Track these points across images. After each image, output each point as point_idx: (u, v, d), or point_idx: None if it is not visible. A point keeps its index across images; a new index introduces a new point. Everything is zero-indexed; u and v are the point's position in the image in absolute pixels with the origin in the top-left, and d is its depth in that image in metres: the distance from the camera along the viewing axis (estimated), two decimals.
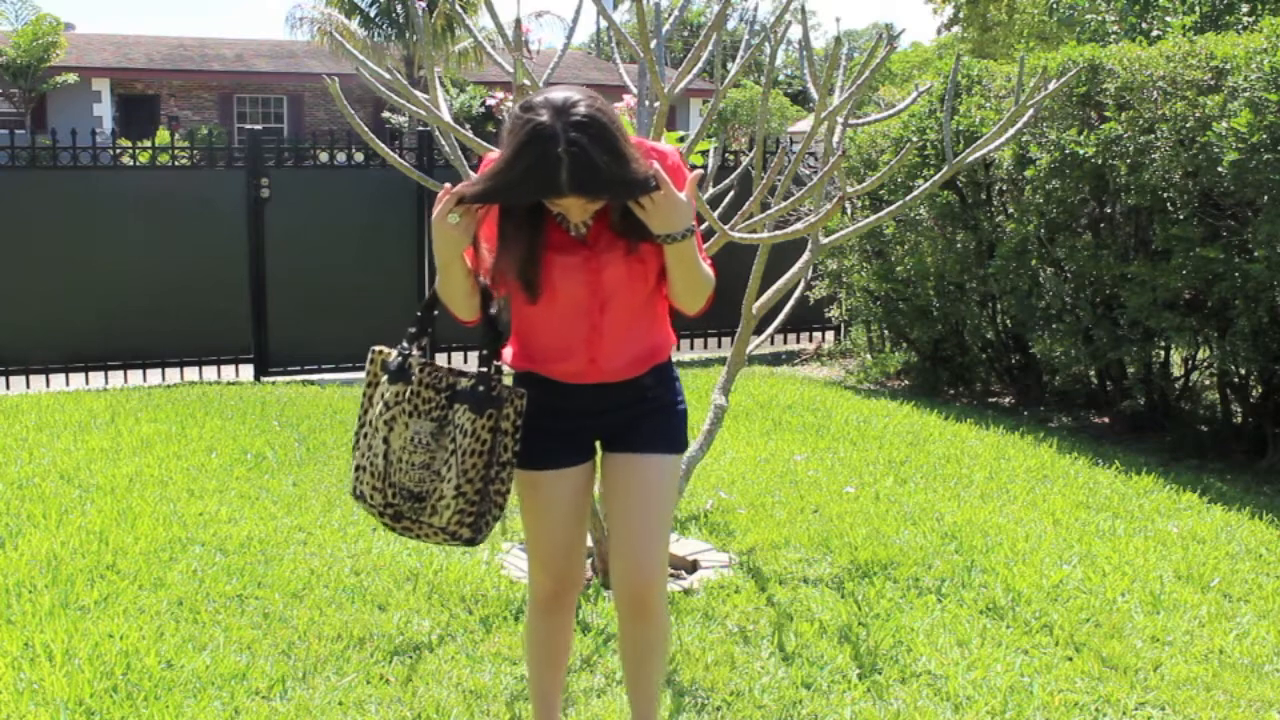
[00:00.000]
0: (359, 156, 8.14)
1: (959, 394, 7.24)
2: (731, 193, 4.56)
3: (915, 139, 6.79)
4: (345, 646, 3.20)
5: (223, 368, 7.80)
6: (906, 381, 7.65)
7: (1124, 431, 6.08)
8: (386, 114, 23.73)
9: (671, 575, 3.75)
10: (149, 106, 26.15)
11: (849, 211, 7.34)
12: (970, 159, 3.86)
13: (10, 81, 22.81)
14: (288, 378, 7.76)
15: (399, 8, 23.60)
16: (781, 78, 35.14)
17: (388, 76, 3.94)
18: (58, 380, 7.48)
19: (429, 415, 2.21)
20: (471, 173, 4.04)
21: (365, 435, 2.27)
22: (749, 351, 4.21)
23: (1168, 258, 5.35)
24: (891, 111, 4.39)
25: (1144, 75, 5.36)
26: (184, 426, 5.85)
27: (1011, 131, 3.87)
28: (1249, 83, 4.84)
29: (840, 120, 3.98)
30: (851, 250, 7.68)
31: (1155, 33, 8.36)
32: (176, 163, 7.82)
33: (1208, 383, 6.33)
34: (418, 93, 3.81)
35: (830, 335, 9.27)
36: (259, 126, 10.33)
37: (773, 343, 8.42)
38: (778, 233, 3.79)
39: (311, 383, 7.60)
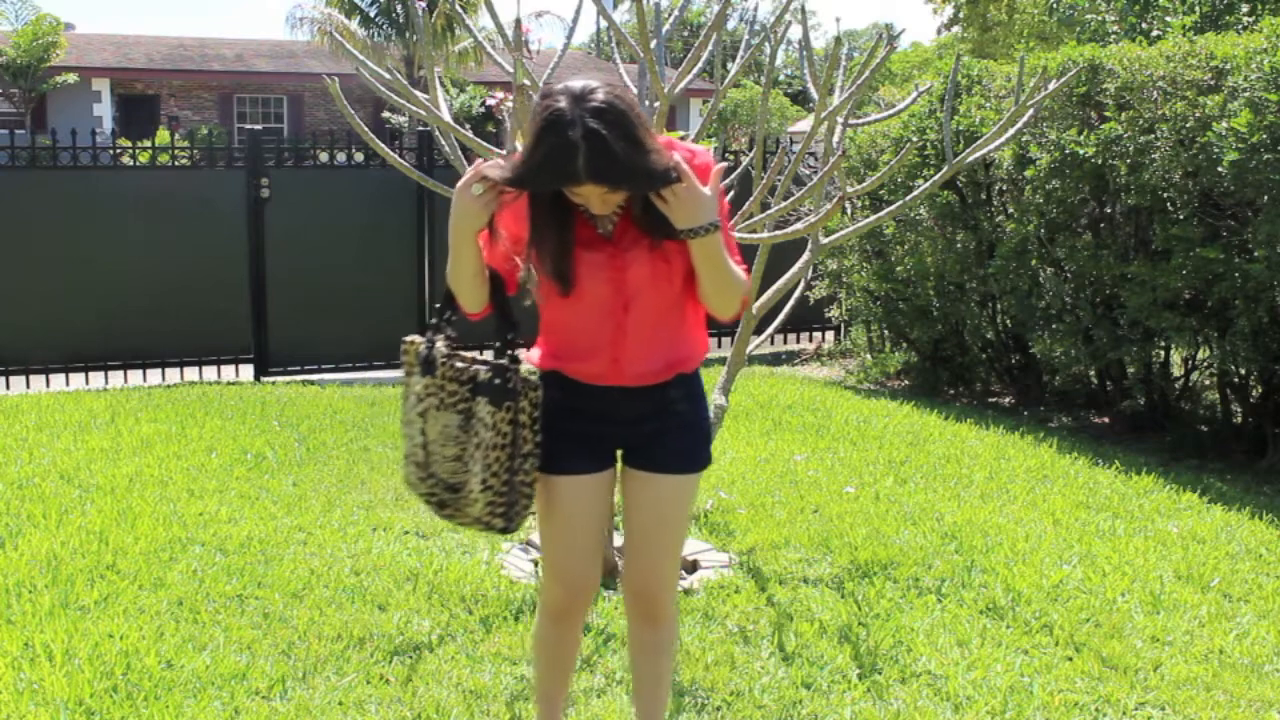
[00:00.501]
0: (359, 156, 8.14)
1: (959, 394, 7.24)
2: (731, 193, 4.56)
3: (915, 139, 6.79)
4: (345, 646, 3.20)
5: (223, 368, 7.80)
6: (906, 381, 7.66)
7: (1124, 431, 6.08)
8: (386, 114, 23.72)
9: None
10: (149, 106, 26.15)
11: (849, 211, 7.34)
12: (970, 159, 3.86)
13: (10, 81, 22.81)
14: (288, 378, 7.76)
15: (399, 8, 23.60)
16: (781, 78, 35.15)
17: (388, 76, 3.94)
18: (58, 380, 7.49)
19: (454, 408, 2.20)
20: None
21: (407, 426, 2.27)
22: (749, 351, 4.21)
23: (1168, 258, 5.35)
24: (891, 111, 4.40)
25: (1144, 75, 5.36)
26: (184, 426, 5.85)
27: (1011, 131, 3.88)
28: (1249, 83, 4.84)
29: (840, 120, 3.98)
30: (851, 250, 7.68)
31: (1155, 33, 8.36)
32: (176, 163, 7.82)
33: (1208, 383, 6.33)
34: (418, 93, 3.81)
35: (830, 335, 9.27)
36: (259, 126, 10.33)
37: (773, 343, 8.42)
38: (778, 233, 3.80)
39: (311, 383, 7.60)
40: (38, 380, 7.43)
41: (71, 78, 23.10)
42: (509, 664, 3.10)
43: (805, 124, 17.36)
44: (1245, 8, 8.25)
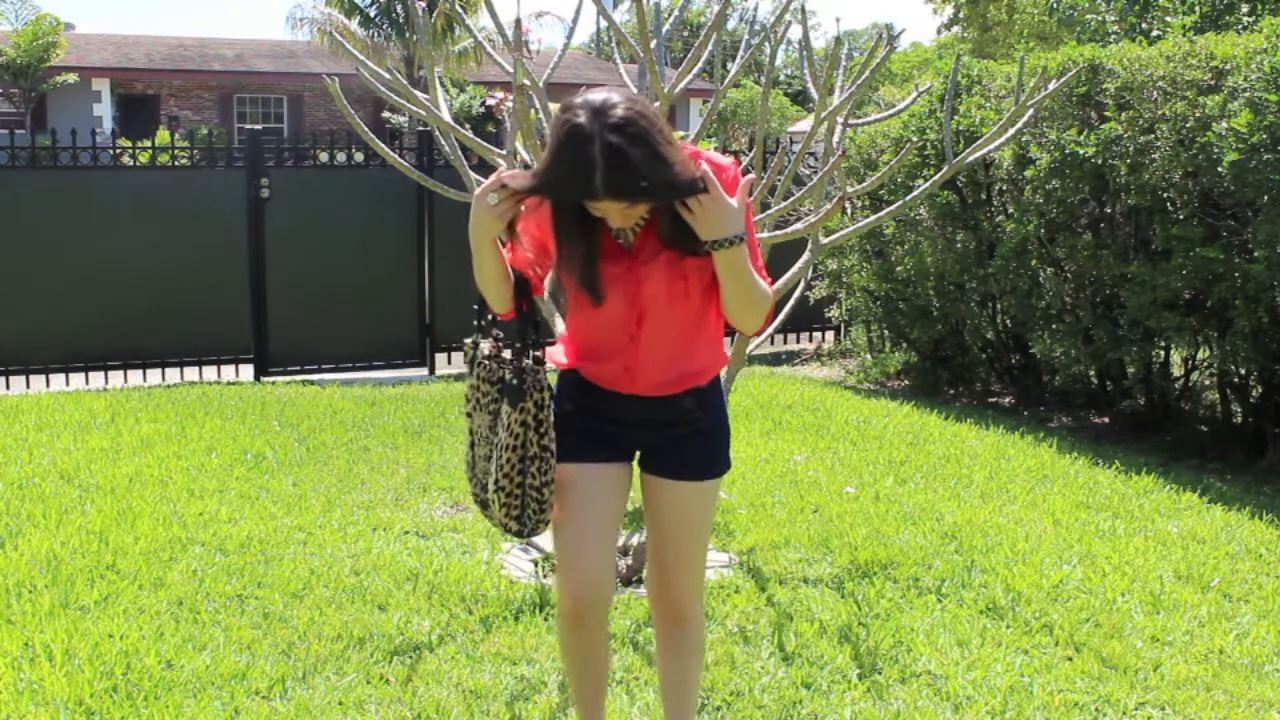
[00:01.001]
0: (359, 156, 8.14)
1: (959, 394, 7.24)
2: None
3: (915, 139, 6.79)
4: (345, 646, 3.20)
5: (223, 368, 7.80)
6: (906, 381, 7.66)
7: (1124, 431, 6.08)
8: (386, 114, 23.72)
9: None
10: (149, 106, 26.14)
11: (849, 211, 7.34)
12: (970, 159, 3.86)
13: (10, 81, 22.80)
14: (288, 378, 7.76)
15: (399, 8, 23.59)
16: (781, 78, 35.13)
17: (388, 76, 3.94)
18: (58, 380, 7.49)
19: (488, 409, 2.25)
20: (472, 173, 4.05)
21: (467, 429, 2.35)
22: (749, 351, 4.21)
23: (1168, 258, 5.35)
24: (891, 111, 4.39)
25: (1144, 75, 5.37)
26: (184, 426, 5.85)
27: (1011, 131, 3.88)
28: (1249, 83, 4.84)
29: (840, 120, 3.98)
30: (851, 250, 7.69)
31: (1155, 33, 8.36)
32: (176, 163, 7.82)
33: (1208, 383, 6.33)
34: (418, 93, 3.81)
35: (830, 335, 9.27)
36: (259, 126, 10.34)
37: (773, 343, 8.44)
38: (778, 233, 3.80)
39: (311, 383, 7.60)
40: (38, 380, 7.43)
41: (71, 78, 23.09)
42: (509, 664, 3.10)
43: (805, 124, 17.36)
44: (1245, 8, 8.25)
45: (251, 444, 5.49)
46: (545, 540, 3.88)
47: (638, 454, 2.35)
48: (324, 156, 8.42)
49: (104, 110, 25.22)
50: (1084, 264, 5.84)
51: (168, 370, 7.67)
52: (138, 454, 5.26)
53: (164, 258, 7.57)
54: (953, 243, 6.78)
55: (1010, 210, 6.41)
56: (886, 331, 8.23)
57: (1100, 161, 5.56)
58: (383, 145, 4.21)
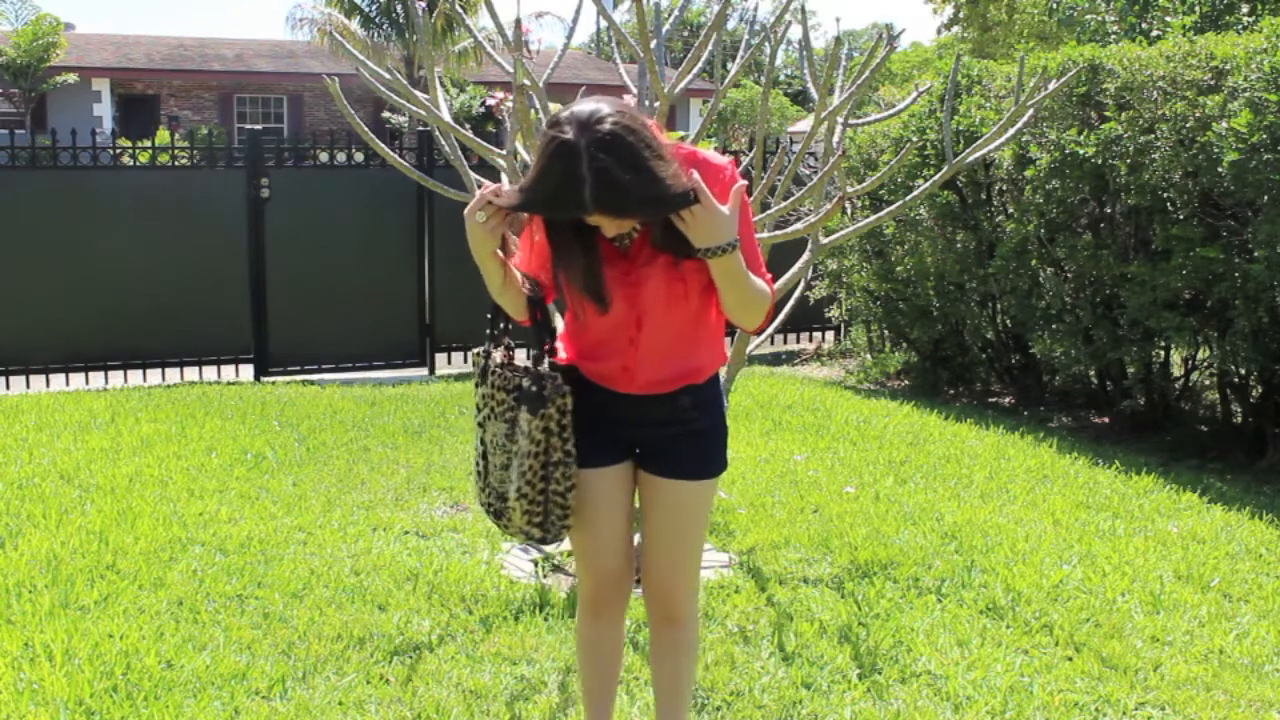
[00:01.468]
0: (359, 156, 8.14)
1: (959, 394, 7.24)
2: None
3: (915, 139, 6.79)
4: (345, 646, 3.20)
5: (223, 368, 7.80)
6: (906, 381, 7.66)
7: (1124, 431, 6.08)
8: (386, 114, 23.72)
9: None
10: (149, 106, 26.14)
11: (849, 211, 7.34)
12: (970, 159, 3.86)
13: (10, 81, 22.79)
14: (288, 378, 7.76)
15: (399, 8, 23.59)
16: (781, 78, 35.14)
17: (388, 76, 3.94)
18: (58, 380, 7.49)
19: (503, 417, 2.24)
20: (472, 173, 4.05)
21: (476, 436, 2.33)
22: (749, 351, 4.21)
23: (1168, 258, 5.35)
24: (891, 111, 4.40)
25: (1144, 75, 5.37)
26: (184, 426, 5.85)
27: (1011, 131, 3.88)
28: (1249, 83, 4.84)
29: (840, 120, 3.98)
30: (851, 250, 7.69)
31: (1155, 33, 8.36)
32: (176, 163, 7.82)
33: (1208, 383, 6.33)
34: (418, 93, 3.81)
35: (830, 335, 9.27)
36: (259, 126, 10.34)
37: (773, 343, 8.44)
38: (778, 233, 3.80)
39: (311, 383, 7.60)
40: (38, 380, 7.43)
41: (71, 78, 23.09)
42: (509, 664, 3.10)
43: (805, 124, 17.36)
44: (1245, 8, 8.25)
45: (251, 444, 5.49)
46: None
47: (636, 451, 2.35)
48: (324, 156, 8.42)
49: (104, 110, 25.22)
50: (1084, 264, 5.84)
51: (168, 370, 7.67)
52: (138, 454, 5.26)
53: (164, 258, 7.57)
54: (953, 243, 6.78)
55: (1010, 210, 6.41)
56: (886, 331, 8.23)
57: (1100, 161, 5.56)
58: (383, 145, 4.21)
